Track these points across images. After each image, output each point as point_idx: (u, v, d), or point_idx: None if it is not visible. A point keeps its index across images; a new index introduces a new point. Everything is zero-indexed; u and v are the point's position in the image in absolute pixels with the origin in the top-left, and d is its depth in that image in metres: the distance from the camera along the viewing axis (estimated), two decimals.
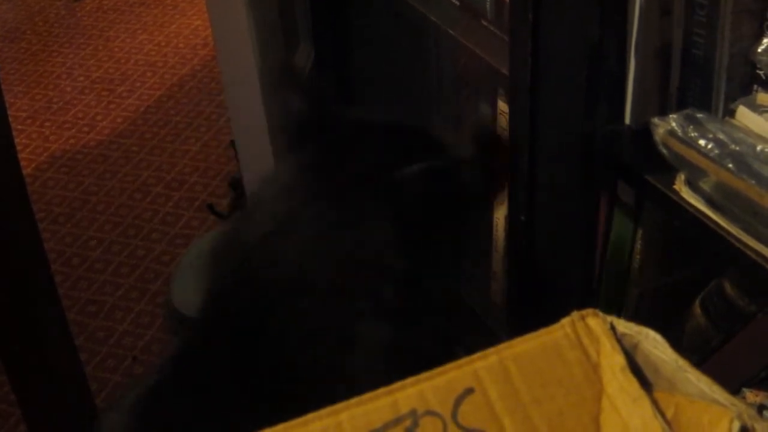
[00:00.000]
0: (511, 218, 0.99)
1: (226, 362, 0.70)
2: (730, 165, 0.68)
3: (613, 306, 0.95)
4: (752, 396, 0.79)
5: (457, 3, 1.04)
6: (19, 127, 2.41)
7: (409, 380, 0.41)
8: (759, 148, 0.69)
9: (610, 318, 0.43)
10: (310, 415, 0.40)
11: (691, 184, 0.74)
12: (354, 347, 0.70)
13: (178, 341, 0.79)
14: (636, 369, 0.41)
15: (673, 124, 0.73)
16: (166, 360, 0.78)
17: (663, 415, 0.39)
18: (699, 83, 0.79)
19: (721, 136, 0.71)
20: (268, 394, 0.67)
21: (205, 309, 0.76)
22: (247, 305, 0.72)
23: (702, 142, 0.71)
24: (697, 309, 0.89)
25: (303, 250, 0.72)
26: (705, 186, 0.73)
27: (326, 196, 0.74)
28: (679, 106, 0.80)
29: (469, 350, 0.42)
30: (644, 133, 0.77)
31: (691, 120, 0.73)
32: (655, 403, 0.39)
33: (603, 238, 0.93)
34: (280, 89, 0.86)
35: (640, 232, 0.90)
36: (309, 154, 0.78)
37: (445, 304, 0.79)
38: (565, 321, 0.43)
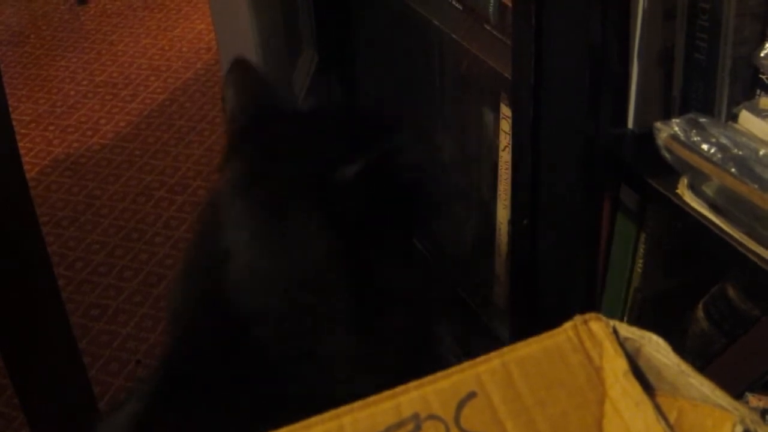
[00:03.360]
0: (513, 222, 0.99)
1: (207, 380, 0.70)
2: (733, 169, 0.68)
3: (616, 310, 0.95)
4: (755, 400, 0.79)
5: (460, 7, 1.04)
6: (23, 131, 2.42)
7: (412, 384, 0.41)
8: (762, 152, 0.69)
9: (612, 322, 0.43)
10: (313, 419, 0.40)
11: (694, 188, 0.74)
12: (321, 360, 0.69)
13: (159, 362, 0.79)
14: (638, 373, 0.41)
15: (676, 128, 0.73)
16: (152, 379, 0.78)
17: (666, 419, 0.39)
18: (702, 87, 0.79)
19: (723, 140, 0.71)
20: (254, 408, 0.66)
21: (179, 330, 0.76)
22: (211, 328, 0.72)
23: (705, 146, 0.71)
24: (699, 313, 0.89)
25: (249, 277, 0.71)
26: (708, 190, 0.73)
27: (262, 214, 0.72)
28: (682, 110, 0.80)
29: (471, 354, 0.42)
30: (647, 137, 0.77)
31: (694, 124, 0.73)
32: (657, 408, 0.39)
33: (606, 242, 0.93)
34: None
35: (642, 236, 0.90)
36: (242, 165, 0.76)
37: (405, 297, 0.77)
38: (568, 325, 0.43)
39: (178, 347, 0.75)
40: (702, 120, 0.73)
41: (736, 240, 0.70)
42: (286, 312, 0.70)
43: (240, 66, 0.85)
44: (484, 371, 0.41)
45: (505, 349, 0.42)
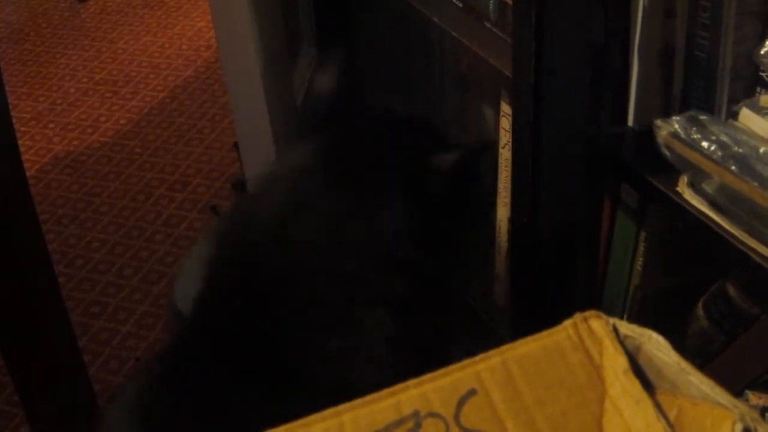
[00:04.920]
0: (513, 220, 0.99)
1: (228, 350, 0.69)
2: (733, 167, 0.68)
3: (616, 308, 0.95)
4: (755, 398, 0.79)
5: (461, 5, 1.04)
6: (23, 128, 2.42)
7: (412, 381, 0.41)
8: (762, 150, 0.69)
9: (612, 320, 0.43)
10: (313, 416, 0.40)
11: (694, 186, 0.74)
12: (356, 335, 0.69)
13: (177, 331, 0.78)
14: (639, 371, 0.41)
15: (676, 126, 0.73)
16: (165, 353, 0.77)
17: (666, 417, 0.39)
18: (702, 85, 0.79)
19: (724, 138, 0.70)
20: (270, 383, 0.66)
21: (206, 294, 0.74)
22: (250, 288, 0.71)
23: (705, 144, 0.71)
24: (700, 311, 0.89)
25: (313, 234, 0.71)
26: (708, 188, 0.73)
27: (342, 182, 0.72)
28: (682, 108, 0.80)
29: (472, 352, 0.42)
30: (647, 135, 0.77)
31: (694, 122, 0.73)
32: (657, 406, 0.39)
33: (606, 240, 0.93)
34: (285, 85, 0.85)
35: (642, 234, 0.90)
36: (326, 138, 0.76)
37: (449, 301, 0.79)
38: (568, 323, 0.43)
39: (211, 297, 0.74)
40: (702, 118, 0.73)
41: (736, 238, 0.70)
42: (345, 276, 0.70)
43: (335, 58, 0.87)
44: (484, 369, 0.41)
45: (505, 347, 0.42)
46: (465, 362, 0.41)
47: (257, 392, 0.66)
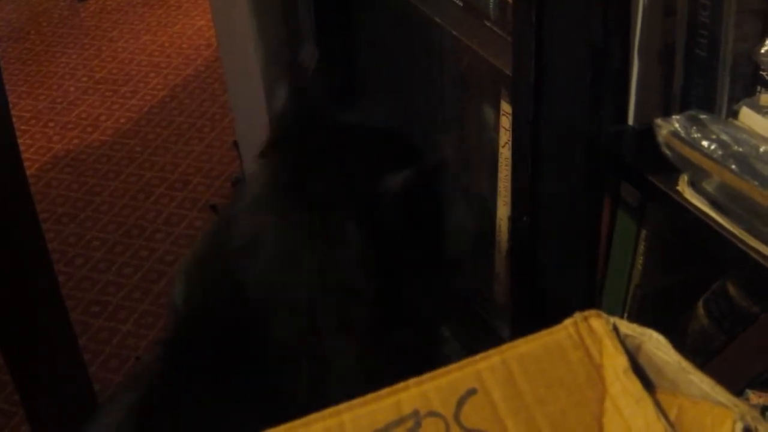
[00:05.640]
0: (513, 219, 0.99)
1: (209, 367, 0.70)
2: (733, 166, 0.68)
3: (616, 307, 0.95)
4: (755, 397, 0.79)
5: (461, 4, 1.04)
6: (23, 127, 2.42)
7: (412, 381, 0.41)
8: (762, 149, 0.69)
9: (613, 319, 0.43)
10: (313, 416, 0.40)
11: (695, 185, 0.74)
12: (323, 361, 0.70)
13: (158, 353, 0.79)
14: (639, 370, 0.41)
15: (676, 125, 0.73)
16: (153, 369, 0.78)
17: (666, 416, 0.39)
18: (702, 84, 0.79)
19: (724, 137, 0.70)
20: (250, 407, 0.67)
21: (185, 319, 0.76)
22: (223, 319, 0.72)
23: (705, 143, 0.70)
24: (700, 310, 0.89)
25: (275, 263, 0.71)
26: (708, 187, 0.73)
27: (302, 207, 0.73)
28: (683, 107, 0.80)
29: (472, 351, 0.42)
30: (647, 133, 0.77)
31: (694, 121, 0.73)
32: (658, 405, 0.39)
33: (606, 239, 0.93)
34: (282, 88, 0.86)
35: (643, 233, 0.90)
36: (285, 161, 0.77)
37: (425, 313, 0.78)
38: (568, 322, 0.43)
39: (185, 332, 0.76)
40: (702, 117, 0.73)
41: (736, 237, 0.70)
42: (305, 307, 0.70)
43: (296, 71, 0.88)
44: (484, 368, 0.41)
45: (505, 346, 0.42)
46: (465, 361, 0.41)
47: (241, 410, 0.66)
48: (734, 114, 0.75)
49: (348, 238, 0.70)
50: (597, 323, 0.42)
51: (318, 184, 0.74)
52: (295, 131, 0.79)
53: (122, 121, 2.45)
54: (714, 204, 0.73)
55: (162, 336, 0.80)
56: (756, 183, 0.67)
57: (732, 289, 0.86)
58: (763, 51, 0.75)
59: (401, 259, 0.73)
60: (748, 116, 0.73)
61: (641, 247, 0.91)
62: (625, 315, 0.96)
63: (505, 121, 1.03)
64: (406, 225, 0.72)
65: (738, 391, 0.80)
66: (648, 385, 0.40)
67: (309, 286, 0.71)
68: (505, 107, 1.02)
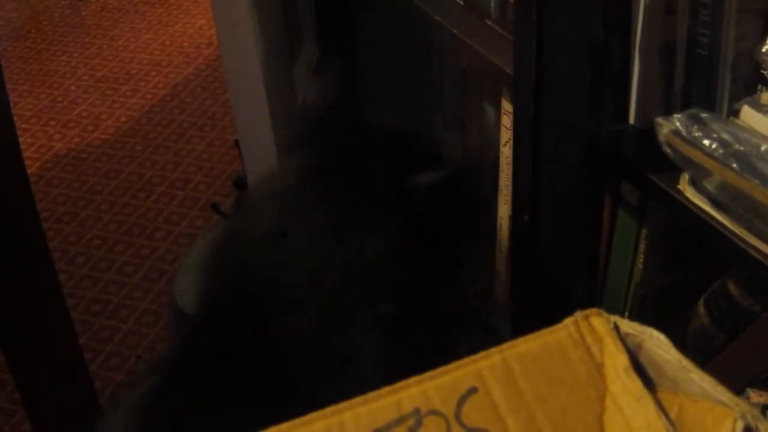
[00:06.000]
0: (514, 218, 0.99)
1: (224, 365, 0.70)
2: (734, 165, 0.68)
3: (617, 306, 0.95)
4: (756, 396, 0.79)
5: (462, 2, 1.04)
6: (24, 126, 2.42)
7: (413, 379, 0.41)
8: (763, 147, 0.69)
9: (613, 318, 0.43)
10: (314, 414, 0.40)
11: (695, 183, 0.74)
12: (347, 355, 0.70)
13: (176, 341, 0.79)
14: (639, 369, 0.41)
15: (677, 124, 0.73)
16: (165, 359, 0.78)
17: (666, 415, 0.39)
18: (703, 83, 0.79)
19: (725, 135, 0.70)
20: (264, 399, 0.66)
21: (204, 309, 0.76)
22: (246, 310, 0.72)
23: (706, 141, 0.70)
24: (700, 309, 0.89)
25: (302, 255, 0.71)
26: (709, 186, 0.73)
27: (331, 201, 0.73)
28: (684, 106, 0.80)
29: (473, 350, 0.42)
30: (648, 132, 0.77)
31: (696, 120, 0.73)
32: (658, 403, 0.39)
33: (607, 238, 0.93)
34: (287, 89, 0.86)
35: (643, 232, 0.90)
36: (317, 155, 0.78)
37: (446, 313, 0.79)
38: (569, 320, 0.43)
39: (205, 326, 0.75)
40: (703, 115, 0.73)
41: (737, 236, 0.70)
42: (334, 301, 0.70)
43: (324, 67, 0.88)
44: (484, 367, 0.41)
45: (506, 345, 0.42)
46: (466, 360, 0.41)
47: (252, 405, 0.66)
48: (735, 113, 0.75)
49: (378, 233, 0.70)
50: (598, 322, 0.42)
51: (350, 178, 0.74)
52: (324, 127, 0.79)
53: (123, 119, 2.45)
54: (715, 203, 0.73)
55: (177, 331, 0.80)
56: (757, 182, 0.67)
57: (733, 288, 0.86)
58: (764, 50, 0.74)
59: (428, 258, 0.73)
60: (749, 115, 0.73)
61: (642, 246, 0.91)
62: (626, 314, 0.96)
63: (506, 120, 1.03)
64: (434, 224, 0.72)
65: (738, 390, 0.80)
66: (649, 383, 0.40)
67: (338, 280, 0.71)
68: (506, 106, 1.02)
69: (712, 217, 0.72)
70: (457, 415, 0.39)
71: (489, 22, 0.99)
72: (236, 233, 0.79)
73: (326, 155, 0.77)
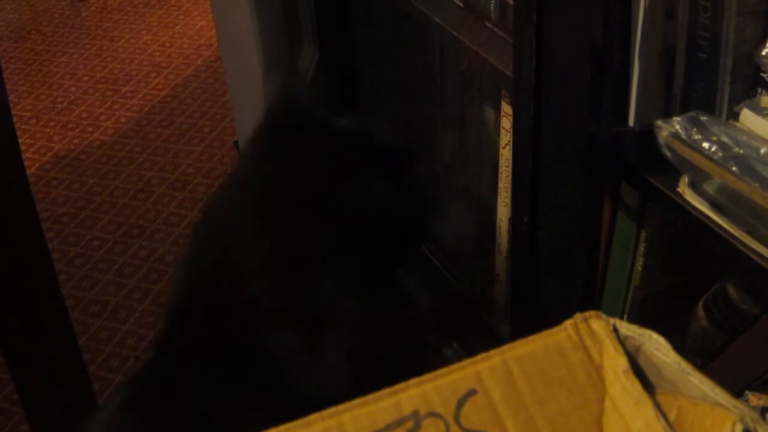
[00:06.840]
0: (514, 220, 0.99)
1: (197, 371, 0.71)
2: (734, 167, 0.68)
3: (616, 308, 0.95)
4: (755, 399, 0.79)
5: (461, 5, 1.04)
6: (24, 126, 2.42)
7: (412, 381, 0.41)
8: (763, 150, 0.69)
9: (612, 320, 0.43)
10: (313, 416, 0.40)
11: (695, 186, 0.74)
12: (316, 360, 0.70)
13: (150, 356, 0.80)
14: (639, 371, 0.41)
15: (677, 127, 0.73)
16: (140, 373, 0.79)
17: (665, 417, 0.39)
18: (703, 85, 0.79)
19: (724, 138, 0.70)
20: (249, 393, 0.67)
21: (169, 328, 0.77)
22: (203, 331, 0.73)
23: (705, 144, 0.70)
24: (700, 311, 0.89)
25: (260, 267, 0.71)
26: (708, 188, 0.73)
27: (277, 208, 0.73)
28: (683, 109, 0.80)
29: (472, 352, 0.42)
30: (648, 135, 0.77)
31: (695, 122, 0.73)
32: (657, 406, 0.39)
33: (606, 240, 0.93)
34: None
35: (643, 235, 0.90)
36: (270, 157, 0.77)
37: (408, 328, 0.78)
38: (568, 323, 0.43)
39: (175, 332, 0.76)
40: (703, 118, 0.73)
41: (736, 238, 0.70)
42: (286, 307, 0.70)
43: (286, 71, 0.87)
44: (484, 369, 0.41)
45: (506, 347, 0.42)
46: (465, 362, 0.41)
47: (238, 402, 0.67)
48: (735, 116, 0.75)
49: (321, 247, 0.70)
50: (597, 324, 0.42)
51: (296, 185, 0.73)
52: (286, 126, 0.78)
53: (123, 120, 2.45)
54: (714, 205, 0.73)
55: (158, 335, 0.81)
56: (756, 184, 0.67)
57: (732, 291, 0.86)
58: (763, 53, 0.75)
59: (381, 267, 0.73)
60: (748, 118, 0.73)
61: (641, 249, 0.91)
62: (625, 316, 0.96)
63: (506, 122, 1.03)
64: (384, 226, 0.72)
65: (738, 393, 0.80)
66: (648, 386, 0.40)
67: (289, 285, 0.71)
68: (506, 108, 1.02)
69: (712, 220, 0.73)
70: (456, 417, 0.39)
71: (489, 25, 0.99)
72: (194, 256, 0.79)
73: (279, 158, 0.76)
